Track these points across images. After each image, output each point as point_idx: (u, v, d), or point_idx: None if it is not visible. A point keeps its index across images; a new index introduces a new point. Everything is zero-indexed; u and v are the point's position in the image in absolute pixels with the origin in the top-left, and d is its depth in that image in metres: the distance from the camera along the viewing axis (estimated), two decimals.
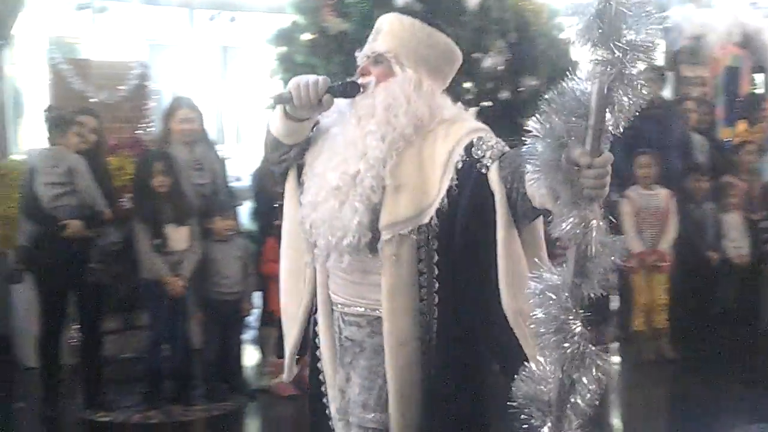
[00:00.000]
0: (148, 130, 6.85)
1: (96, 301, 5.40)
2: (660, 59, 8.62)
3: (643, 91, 1.80)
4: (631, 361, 6.57)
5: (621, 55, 1.75)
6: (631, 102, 1.80)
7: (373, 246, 2.47)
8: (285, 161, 2.69)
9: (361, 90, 2.54)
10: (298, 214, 2.61)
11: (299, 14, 7.21)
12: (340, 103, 2.56)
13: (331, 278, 2.62)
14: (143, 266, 5.30)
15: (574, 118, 1.86)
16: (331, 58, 6.91)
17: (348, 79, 2.58)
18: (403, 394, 2.48)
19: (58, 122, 5.27)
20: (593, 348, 1.94)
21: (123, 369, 5.85)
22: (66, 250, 5.15)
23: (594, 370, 1.94)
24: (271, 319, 5.62)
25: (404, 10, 2.62)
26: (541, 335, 1.94)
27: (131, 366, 5.83)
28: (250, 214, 6.20)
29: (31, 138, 7.02)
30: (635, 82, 1.79)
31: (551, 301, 1.92)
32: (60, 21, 7.91)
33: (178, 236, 5.33)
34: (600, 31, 1.76)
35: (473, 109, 2.69)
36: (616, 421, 5.60)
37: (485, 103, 6.49)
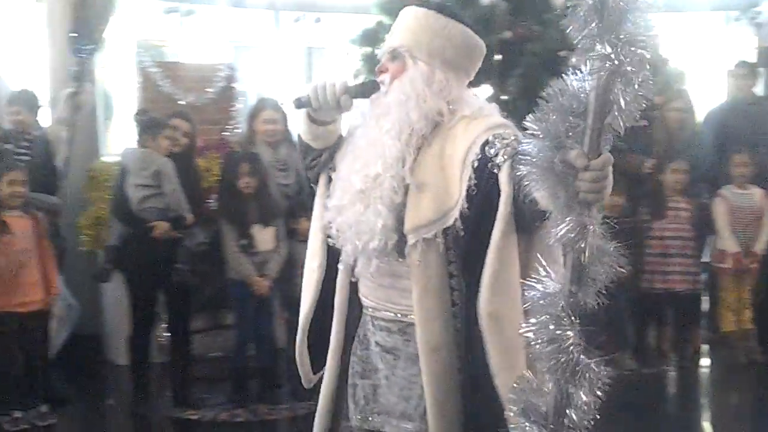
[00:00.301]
0: (234, 131, 6.91)
1: (184, 301, 5.48)
2: (753, 55, 8.40)
3: (643, 91, 1.71)
4: (722, 363, 6.41)
5: (617, 50, 1.67)
6: (631, 101, 1.72)
7: (401, 249, 2.41)
8: (315, 166, 2.65)
9: (379, 88, 2.46)
10: (323, 219, 2.56)
11: (384, 14, 7.21)
12: (363, 103, 2.50)
13: (362, 281, 2.57)
14: (230, 266, 5.35)
15: (571, 117, 1.77)
16: None
17: (365, 79, 2.54)
18: (440, 402, 2.40)
19: (150, 125, 5.35)
20: (587, 359, 1.84)
21: (210, 367, 5.93)
22: (154, 251, 5.23)
23: (588, 383, 1.85)
24: None
25: (426, 3, 2.48)
26: (534, 344, 1.86)
27: (218, 364, 5.89)
28: None
29: (121, 140, 7.16)
30: (633, 79, 1.70)
31: (546, 310, 1.83)
32: (148, 25, 8.06)
33: (264, 237, 5.37)
34: (599, 25, 1.68)
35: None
36: (706, 425, 5.47)
37: None
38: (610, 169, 1.80)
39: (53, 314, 5.44)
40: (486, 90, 6.67)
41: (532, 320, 1.86)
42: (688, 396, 5.90)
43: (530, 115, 1.83)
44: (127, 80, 7.50)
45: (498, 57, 6.69)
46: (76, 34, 5.93)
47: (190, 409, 5.34)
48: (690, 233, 6.23)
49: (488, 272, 2.28)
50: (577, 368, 1.83)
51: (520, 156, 1.90)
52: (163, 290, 5.40)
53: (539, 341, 1.85)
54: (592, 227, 1.80)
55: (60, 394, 5.42)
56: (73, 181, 6.16)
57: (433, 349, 2.39)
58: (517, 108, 6.59)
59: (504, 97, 6.68)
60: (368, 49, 7.32)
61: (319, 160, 2.62)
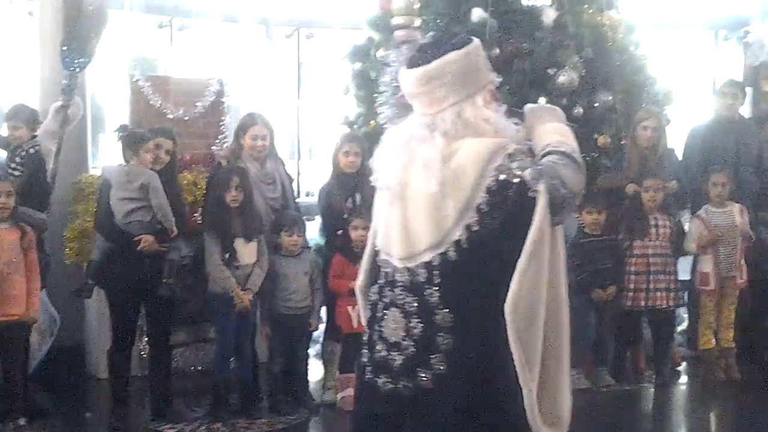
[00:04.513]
0: (222, 145, 6.94)
1: (166, 315, 5.48)
2: (739, 75, 8.45)
3: None
4: (700, 380, 6.45)
5: None
6: None
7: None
8: None
9: None
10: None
11: (375, 31, 7.27)
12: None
13: None
14: (212, 280, 5.37)
15: None
16: None
17: None
18: None
19: (132, 141, 5.38)
20: None
21: (190, 381, 5.94)
22: (137, 265, 5.25)
23: None
24: (336, 334, 5.65)
25: (411, 61, 2.60)
26: None
27: (199, 378, 5.91)
28: (318, 229, 6.24)
29: (111, 153, 7.19)
30: None
31: None
32: (141, 39, 8.11)
33: (247, 250, 5.39)
34: None
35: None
36: None
37: None
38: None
39: (34, 327, 5.45)
40: None
41: None
42: (665, 413, 5.91)
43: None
44: (119, 94, 7.53)
45: None
46: (67, 48, 5.96)
47: (169, 424, 5.33)
48: (670, 250, 6.25)
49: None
50: None
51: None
52: (146, 304, 5.41)
53: None
54: None
55: (39, 407, 5.43)
56: (60, 194, 6.19)
57: None
58: None
59: None
60: (358, 65, 7.38)
61: None
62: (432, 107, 2.58)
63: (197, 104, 7.09)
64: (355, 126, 7.18)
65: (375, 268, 2.77)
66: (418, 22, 3.25)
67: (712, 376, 6.30)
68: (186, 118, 6.98)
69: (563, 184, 2.45)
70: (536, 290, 2.45)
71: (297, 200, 6.25)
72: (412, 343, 2.54)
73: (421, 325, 2.53)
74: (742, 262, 6.32)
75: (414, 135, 2.59)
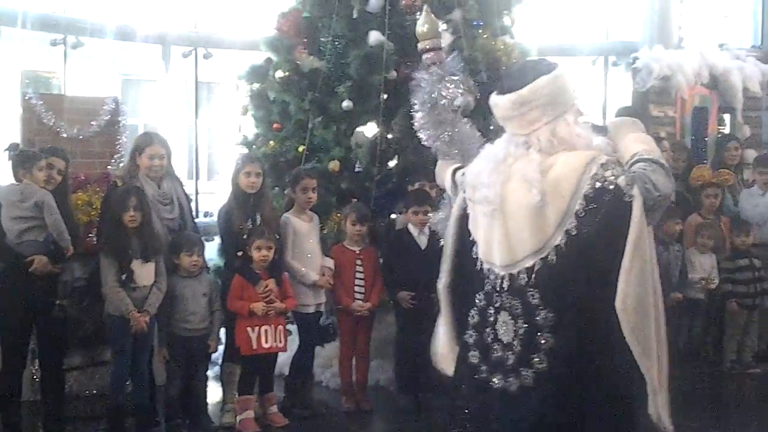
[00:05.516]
0: (118, 165, 6.83)
1: (59, 337, 5.37)
2: (628, 100, 8.75)
3: None
4: None
5: None
6: None
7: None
8: None
9: None
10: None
11: (273, 52, 7.28)
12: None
13: None
14: (108, 302, 5.28)
15: None
16: (303, 95, 6.98)
17: None
18: None
19: (23, 159, 5.27)
20: None
21: (85, 406, 5.82)
22: (30, 285, 5.13)
23: None
24: (236, 355, 5.62)
25: (501, 87, 2.96)
26: None
27: (94, 403, 5.79)
28: (217, 250, 6.20)
29: (3, 172, 7.01)
30: None
31: None
32: (34, 56, 7.95)
33: (145, 272, 5.32)
34: None
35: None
36: None
37: None
38: None
39: None
40: (372, 128, 6.79)
41: None
42: None
43: None
44: (10, 112, 7.36)
45: (384, 96, 6.83)
46: None
47: None
48: None
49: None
50: None
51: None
52: (38, 326, 5.29)
53: None
54: None
55: None
56: None
57: None
58: (402, 146, 6.76)
59: (389, 136, 6.81)
60: (256, 86, 7.39)
61: None
62: (525, 128, 2.85)
63: (92, 123, 6.95)
64: (254, 146, 7.18)
65: (456, 269, 3.12)
66: (444, 43, 3.57)
67: None
68: (81, 137, 6.84)
69: (655, 187, 2.71)
70: (643, 286, 2.68)
71: (195, 220, 6.19)
72: (519, 343, 2.80)
73: (525, 325, 2.79)
74: None
75: (510, 153, 2.86)
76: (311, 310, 5.89)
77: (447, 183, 3.44)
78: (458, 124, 3.62)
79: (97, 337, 5.83)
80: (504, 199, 2.82)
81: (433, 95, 3.54)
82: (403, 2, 6.88)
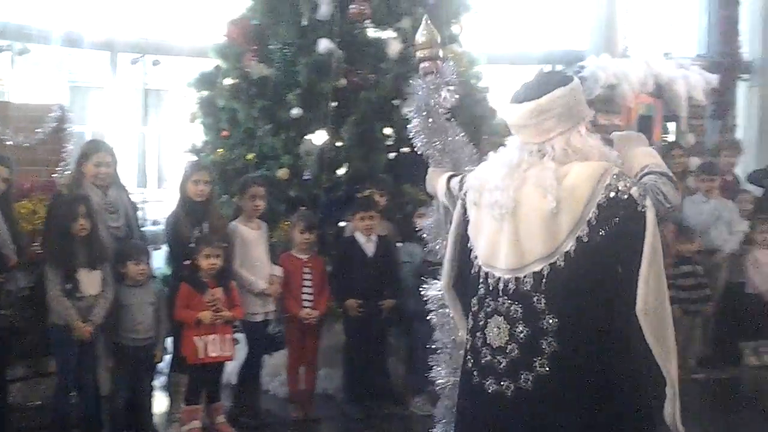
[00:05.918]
0: (63, 173, 6.76)
1: (2, 348, 5.29)
2: None
3: None
4: None
5: None
6: None
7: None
8: None
9: None
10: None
11: (222, 59, 7.27)
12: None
13: None
14: (52, 311, 5.21)
15: None
16: (253, 102, 6.97)
17: None
18: None
19: None
20: None
21: (29, 417, 5.74)
22: None
23: None
24: (182, 365, 5.58)
25: (516, 97, 2.98)
26: None
27: (37, 414, 5.71)
28: (165, 258, 6.16)
29: None
30: None
31: None
32: None
33: (90, 281, 5.27)
34: None
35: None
36: None
37: (404, 149, 6.58)
38: None
39: None
40: (321, 136, 6.80)
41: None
42: None
43: None
44: None
45: (333, 104, 6.84)
46: None
47: None
48: None
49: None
50: None
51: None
52: None
53: None
54: None
55: None
56: None
57: None
58: (351, 154, 6.78)
59: (338, 144, 6.82)
60: (205, 93, 7.36)
61: None
62: (539, 137, 2.91)
63: (38, 131, 6.89)
64: (202, 154, 7.15)
65: (455, 270, 3.23)
66: (441, 53, 3.64)
67: None
68: (26, 145, 6.78)
69: (666, 199, 2.85)
70: (660, 292, 2.76)
71: (142, 229, 6.15)
72: (517, 347, 2.84)
73: (527, 330, 2.83)
74: None
75: (524, 159, 2.92)
76: (259, 318, 5.87)
77: (440, 190, 3.52)
78: (452, 133, 3.69)
79: (41, 347, 5.74)
80: (517, 204, 2.88)
81: (428, 104, 3.62)
82: (353, 10, 6.90)
